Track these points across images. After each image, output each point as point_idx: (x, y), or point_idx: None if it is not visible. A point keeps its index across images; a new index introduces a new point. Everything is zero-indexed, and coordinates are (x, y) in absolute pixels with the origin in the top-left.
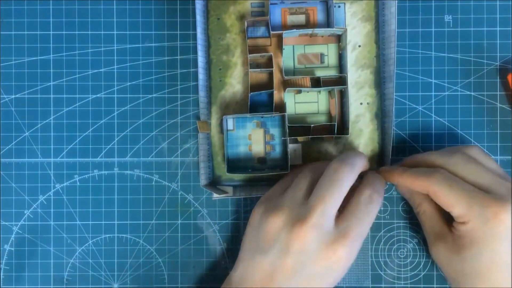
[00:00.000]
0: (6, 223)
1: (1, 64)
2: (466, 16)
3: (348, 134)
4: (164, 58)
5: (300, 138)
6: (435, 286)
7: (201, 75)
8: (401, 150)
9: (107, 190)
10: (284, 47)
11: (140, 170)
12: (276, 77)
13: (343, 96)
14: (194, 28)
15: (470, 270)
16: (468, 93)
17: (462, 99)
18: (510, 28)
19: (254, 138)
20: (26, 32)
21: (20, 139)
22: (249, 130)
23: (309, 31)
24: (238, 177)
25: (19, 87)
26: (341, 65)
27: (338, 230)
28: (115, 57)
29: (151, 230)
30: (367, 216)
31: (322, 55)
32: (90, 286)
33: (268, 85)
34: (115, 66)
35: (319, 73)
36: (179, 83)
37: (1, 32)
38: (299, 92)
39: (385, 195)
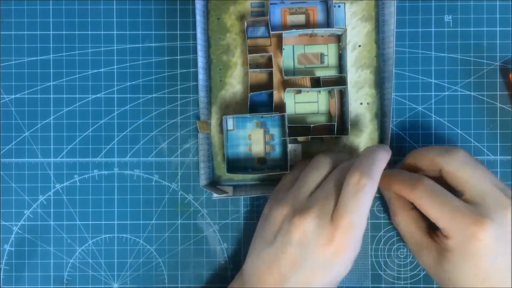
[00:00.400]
0: (6, 223)
1: (1, 64)
2: (466, 16)
3: (348, 134)
4: (164, 58)
5: (300, 138)
6: (435, 286)
7: (201, 75)
8: (401, 150)
9: (107, 190)
10: (284, 47)
11: (140, 170)
12: (276, 77)
13: (343, 96)
14: (194, 28)
15: (455, 280)
16: (468, 93)
17: (462, 99)
18: (510, 28)
19: (254, 138)
20: (26, 32)
21: (20, 139)
22: (249, 130)
23: (309, 31)
24: (238, 177)
25: (19, 87)
26: (341, 65)
27: (332, 222)
28: (115, 57)
29: (151, 230)
30: (357, 205)
31: (322, 55)
32: (90, 286)
33: (268, 85)
34: (115, 66)
35: (319, 73)
36: (179, 83)
37: (1, 32)
38: (299, 92)
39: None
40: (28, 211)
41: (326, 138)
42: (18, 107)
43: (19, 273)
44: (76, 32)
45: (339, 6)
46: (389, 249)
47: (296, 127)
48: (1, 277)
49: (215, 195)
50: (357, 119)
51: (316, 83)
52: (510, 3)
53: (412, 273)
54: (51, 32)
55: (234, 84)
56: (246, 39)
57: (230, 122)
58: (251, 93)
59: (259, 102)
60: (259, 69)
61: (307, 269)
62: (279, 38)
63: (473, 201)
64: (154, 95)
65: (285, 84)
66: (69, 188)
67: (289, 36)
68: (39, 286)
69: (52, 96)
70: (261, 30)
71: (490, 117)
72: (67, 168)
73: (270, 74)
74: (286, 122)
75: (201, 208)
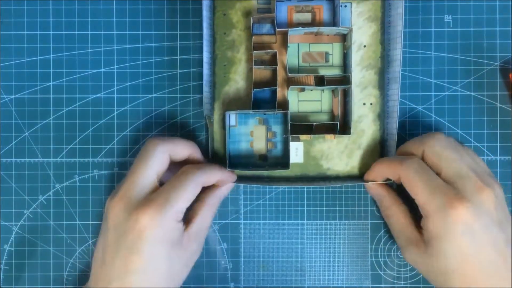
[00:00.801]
0: (6, 223)
1: (1, 64)
2: (466, 16)
3: (350, 134)
4: (164, 58)
5: (302, 136)
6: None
7: (206, 70)
8: None
9: (107, 190)
10: (289, 44)
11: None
12: (280, 75)
13: (346, 96)
14: (194, 28)
15: (441, 269)
16: (468, 93)
17: (462, 99)
18: (510, 28)
19: (256, 134)
20: (26, 32)
21: (20, 139)
22: (251, 127)
23: (315, 29)
24: (238, 173)
25: (19, 87)
26: (345, 65)
27: (146, 198)
28: (115, 57)
29: None
30: (178, 186)
31: (327, 54)
32: None
33: (271, 82)
34: (115, 66)
35: (323, 72)
36: (179, 83)
37: (1, 32)
38: (303, 90)
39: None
40: (28, 211)
41: (328, 137)
42: (18, 107)
43: (19, 273)
44: (76, 32)
45: (345, 6)
46: (389, 249)
47: (299, 125)
48: (1, 277)
49: None
50: (360, 119)
51: (320, 81)
52: (510, 3)
53: (412, 273)
54: (51, 32)
55: (238, 80)
56: (251, 36)
57: (232, 118)
58: (254, 90)
59: (262, 99)
60: (263, 66)
61: (122, 251)
62: (285, 35)
63: (449, 181)
64: (154, 95)
65: (289, 82)
66: (69, 188)
67: (294, 34)
68: (39, 286)
69: (52, 96)
70: (267, 27)
71: (490, 117)
72: (67, 168)
73: (274, 71)
74: (289, 120)
75: None
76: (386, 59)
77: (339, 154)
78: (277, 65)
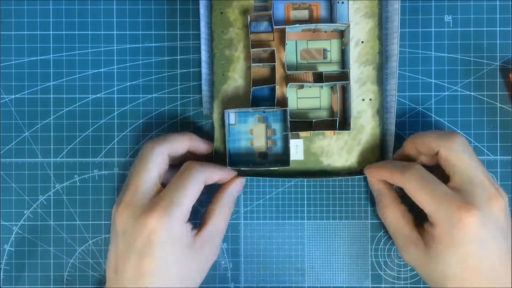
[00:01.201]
0: (6, 223)
1: (1, 64)
2: (466, 16)
3: (349, 130)
4: (164, 58)
5: (301, 133)
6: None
7: (204, 69)
8: None
9: (107, 190)
10: (287, 42)
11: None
12: (279, 72)
13: (345, 92)
14: (194, 28)
15: (441, 270)
16: (468, 93)
17: (462, 99)
18: (510, 28)
19: (255, 132)
20: (26, 32)
21: (20, 139)
22: (251, 125)
23: (312, 26)
24: (239, 171)
25: (19, 87)
26: (343, 61)
27: (150, 202)
28: (115, 57)
29: None
30: (180, 185)
31: (325, 50)
32: (90, 286)
33: (270, 80)
34: (115, 66)
35: (322, 69)
36: (179, 83)
37: (1, 32)
38: (301, 87)
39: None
40: (28, 211)
41: (327, 133)
42: (18, 107)
43: (19, 273)
44: (76, 32)
45: (342, 2)
46: (389, 249)
47: (298, 122)
48: (1, 277)
49: None
50: (359, 115)
51: (319, 78)
52: (510, 3)
53: (412, 273)
54: (51, 32)
55: (236, 79)
56: (249, 34)
57: (232, 116)
58: (253, 88)
59: (261, 96)
60: (261, 64)
61: (133, 256)
62: (282, 33)
63: (460, 187)
64: (154, 95)
65: (288, 79)
66: (69, 188)
67: (292, 31)
68: (39, 286)
69: (52, 96)
70: (264, 25)
71: (490, 117)
72: (67, 168)
73: (273, 68)
74: (288, 117)
75: (201, 208)
76: (384, 54)
77: (338, 151)
78: (275, 62)
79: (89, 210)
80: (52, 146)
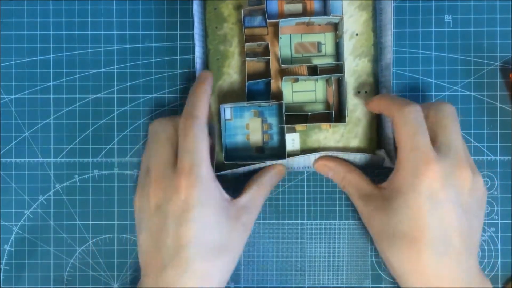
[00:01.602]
0: (6, 223)
1: (1, 64)
2: (466, 16)
3: (345, 122)
4: (164, 58)
5: (297, 127)
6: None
7: (198, 65)
8: None
9: (107, 190)
10: (281, 36)
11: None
12: (273, 66)
13: (340, 85)
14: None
15: (392, 227)
16: (468, 93)
17: (462, 99)
18: (510, 28)
19: (251, 127)
20: (26, 32)
21: (20, 139)
22: (247, 120)
23: (306, 19)
24: (236, 166)
25: (19, 87)
26: (338, 54)
27: (175, 170)
28: (115, 57)
29: None
30: (189, 146)
31: (319, 43)
32: (90, 286)
33: (265, 74)
34: (115, 66)
35: (316, 62)
36: (179, 83)
37: (1, 32)
38: (296, 80)
39: None
40: (28, 211)
41: (323, 126)
42: (18, 107)
43: (19, 273)
44: (76, 32)
45: None
46: None
47: (294, 116)
48: (1, 277)
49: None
50: (355, 108)
51: (314, 71)
52: (510, 3)
53: None
54: (51, 32)
55: (231, 74)
56: (243, 29)
57: (227, 111)
58: (248, 82)
59: (256, 91)
60: (256, 58)
61: (171, 227)
62: (276, 27)
63: (438, 149)
64: (154, 95)
65: (283, 73)
66: (69, 188)
67: (286, 25)
68: (39, 286)
69: (52, 96)
70: (258, 20)
71: (490, 117)
72: (67, 168)
73: (267, 63)
74: (284, 110)
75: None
76: (378, 46)
77: (335, 144)
78: (269, 56)
79: (89, 210)
80: (52, 146)
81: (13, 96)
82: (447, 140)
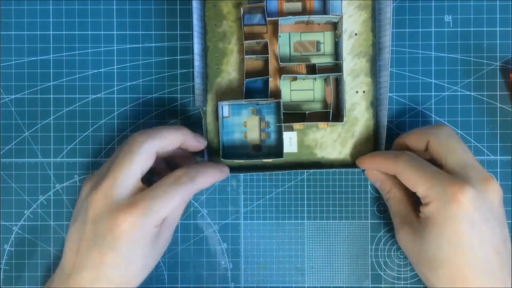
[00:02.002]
0: (6, 223)
1: (1, 64)
2: (466, 16)
3: (343, 122)
4: (164, 58)
5: (295, 125)
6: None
7: (197, 62)
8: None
9: None
10: (280, 34)
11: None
12: (272, 64)
13: (338, 84)
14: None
15: (431, 254)
16: (468, 93)
17: (462, 99)
18: (510, 28)
19: (249, 125)
20: (26, 32)
21: (20, 139)
22: (245, 117)
23: (305, 18)
24: (233, 163)
25: (19, 87)
26: (337, 53)
27: (129, 200)
28: (115, 57)
29: None
30: (165, 194)
31: (318, 42)
32: None
33: (263, 72)
34: (115, 66)
35: (315, 61)
36: (179, 83)
37: (1, 32)
38: (295, 79)
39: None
40: (28, 211)
41: (321, 125)
42: (18, 107)
43: (19, 273)
44: (76, 32)
45: None
46: (389, 249)
47: (292, 114)
48: (1, 277)
49: None
50: (353, 107)
51: (312, 70)
52: (510, 3)
53: (412, 273)
54: (51, 32)
55: (230, 72)
56: (242, 26)
57: (225, 109)
58: (246, 79)
59: (254, 89)
60: (255, 56)
61: (100, 248)
62: (275, 25)
63: (453, 170)
64: (154, 95)
65: (281, 71)
66: (69, 188)
67: (285, 23)
68: (39, 286)
69: (52, 96)
70: (258, 17)
71: (490, 117)
72: (67, 168)
73: (266, 61)
74: (282, 108)
75: (201, 208)
76: (377, 46)
77: (332, 143)
78: (268, 54)
79: None
80: (52, 146)
81: (13, 96)
82: (460, 161)
